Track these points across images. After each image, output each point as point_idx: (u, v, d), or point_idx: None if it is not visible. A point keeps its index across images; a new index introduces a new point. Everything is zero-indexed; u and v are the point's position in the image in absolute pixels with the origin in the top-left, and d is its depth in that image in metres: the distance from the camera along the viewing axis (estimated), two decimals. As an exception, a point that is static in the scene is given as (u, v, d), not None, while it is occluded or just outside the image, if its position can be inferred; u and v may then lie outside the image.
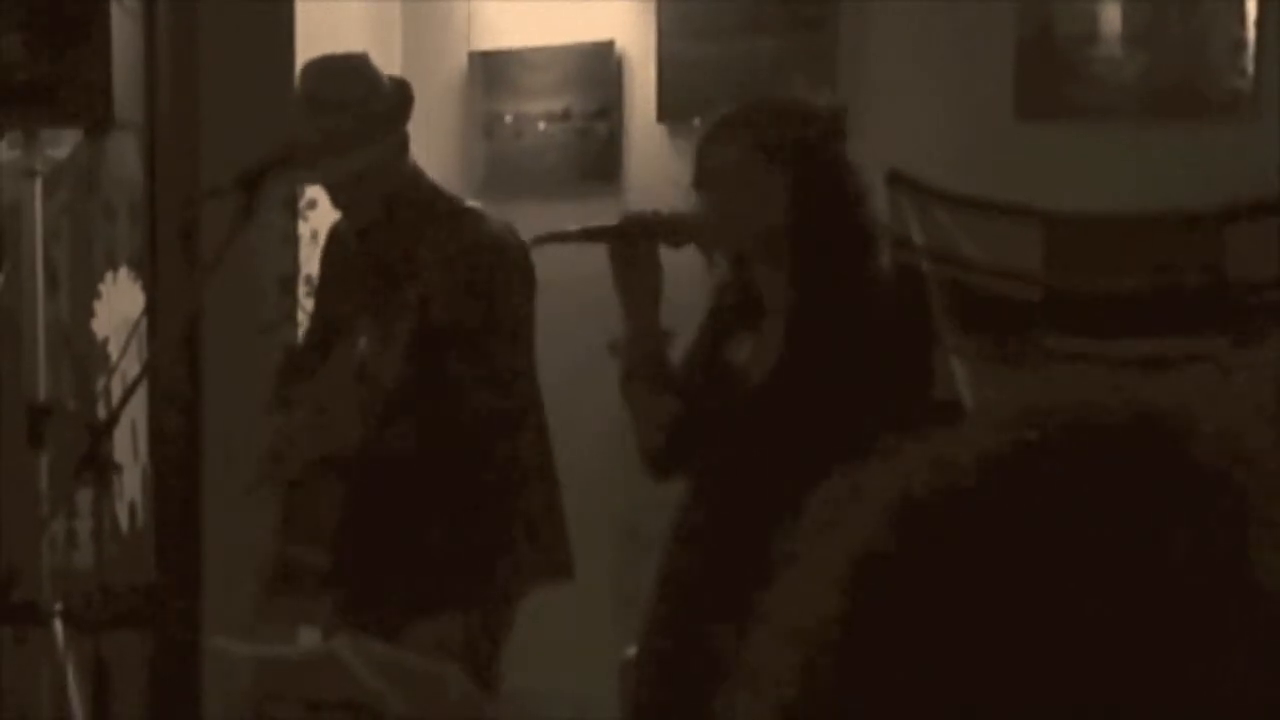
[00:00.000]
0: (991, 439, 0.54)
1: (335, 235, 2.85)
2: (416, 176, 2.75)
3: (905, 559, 0.52)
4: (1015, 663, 0.49)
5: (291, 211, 3.66)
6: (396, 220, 2.71)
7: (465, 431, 2.60)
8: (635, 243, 2.23)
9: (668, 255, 2.29)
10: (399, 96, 2.74)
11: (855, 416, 2.05)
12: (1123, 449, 0.52)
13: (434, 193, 2.75)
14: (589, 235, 2.27)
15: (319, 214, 3.73)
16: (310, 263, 3.72)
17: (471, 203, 2.77)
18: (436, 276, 2.61)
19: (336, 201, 2.73)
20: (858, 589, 0.52)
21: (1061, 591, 0.50)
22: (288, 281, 3.69)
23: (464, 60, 4.08)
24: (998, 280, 3.44)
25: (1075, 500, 0.51)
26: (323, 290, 2.90)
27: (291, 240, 3.71)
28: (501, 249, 2.67)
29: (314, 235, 3.75)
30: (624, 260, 2.25)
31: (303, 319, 3.65)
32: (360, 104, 2.66)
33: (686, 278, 2.31)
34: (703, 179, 2.24)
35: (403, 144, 2.74)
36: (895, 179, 3.52)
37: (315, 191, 3.42)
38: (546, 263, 2.72)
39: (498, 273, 2.65)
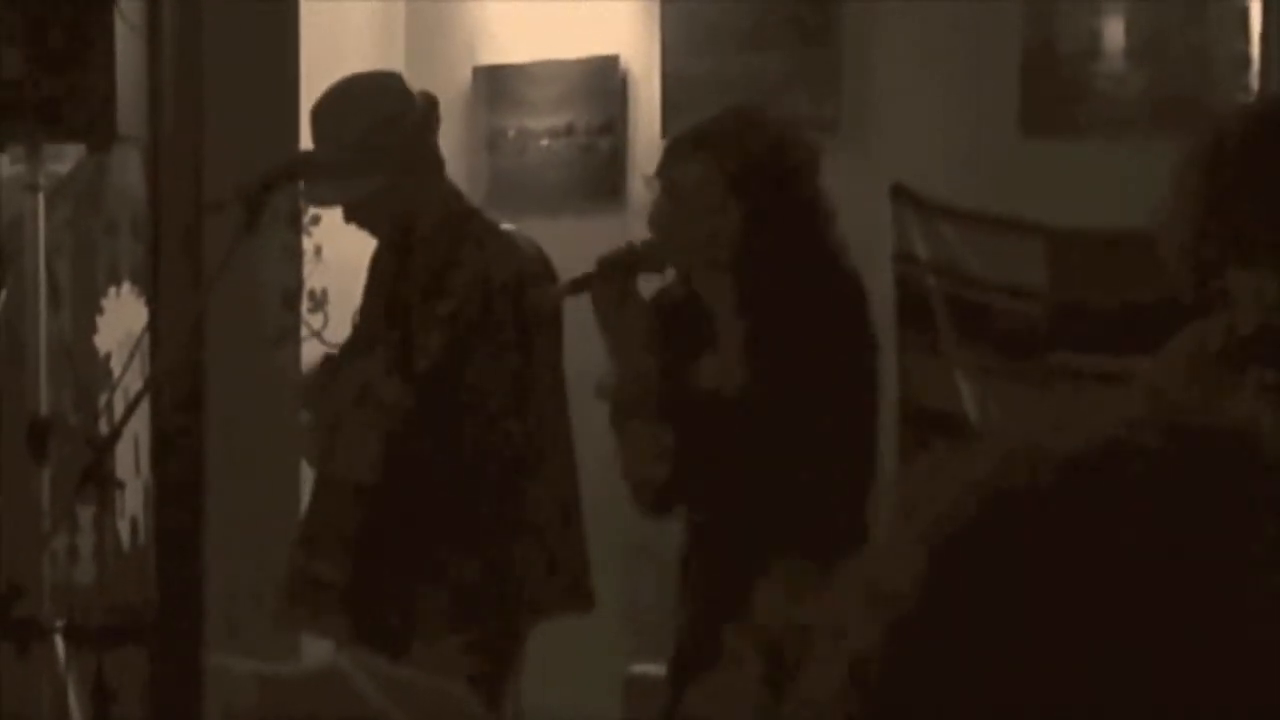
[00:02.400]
0: (1013, 454, 0.55)
1: (382, 246, 2.84)
2: (453, 194, 2.76)
3: (930, 593, 0.53)
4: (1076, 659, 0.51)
5: (295, 226, 3.69)
6: (430, 240, 2.70)
7: (490, 459, 2.60)
8: (616, 282, 2.27)
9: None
10: (427, 110, 2.73)
11: (828, 422, 2.12)
12: (1157, 468, 0.53)
13: (468, 212, 2.75)
14: (574, 288, 2.29)
15: (322, 229, 3.76)
16: (314, 277, 3.74)
17: (507, 225, 2.78)
18: (467, 298, 2.61)
19: (360, 221, 2.72)
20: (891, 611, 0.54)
21: (1090, 609, 0.51)
22: (291, 297, 3.73)
23: (467, 74, 4.09)
24: (1002, 296, 3.45)
25: (1095, 528, 0.52)
26: (365, 299, 2.89)
27: (294, 255, 3.74)
28: (534, 272, 2.67)
29: (317, 251, 3.78)
30: (607, 302, 2.26)
31: (306, 335, 3.70)
32: (390, 124, 2.65)
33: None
34: (663, 188, 2.30)
35: (435, 159, 2.74)
36: (899, 193, 3.54)
37: (318, 208, 3.44)
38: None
39: (530, 295, 2.65)
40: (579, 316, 2.54)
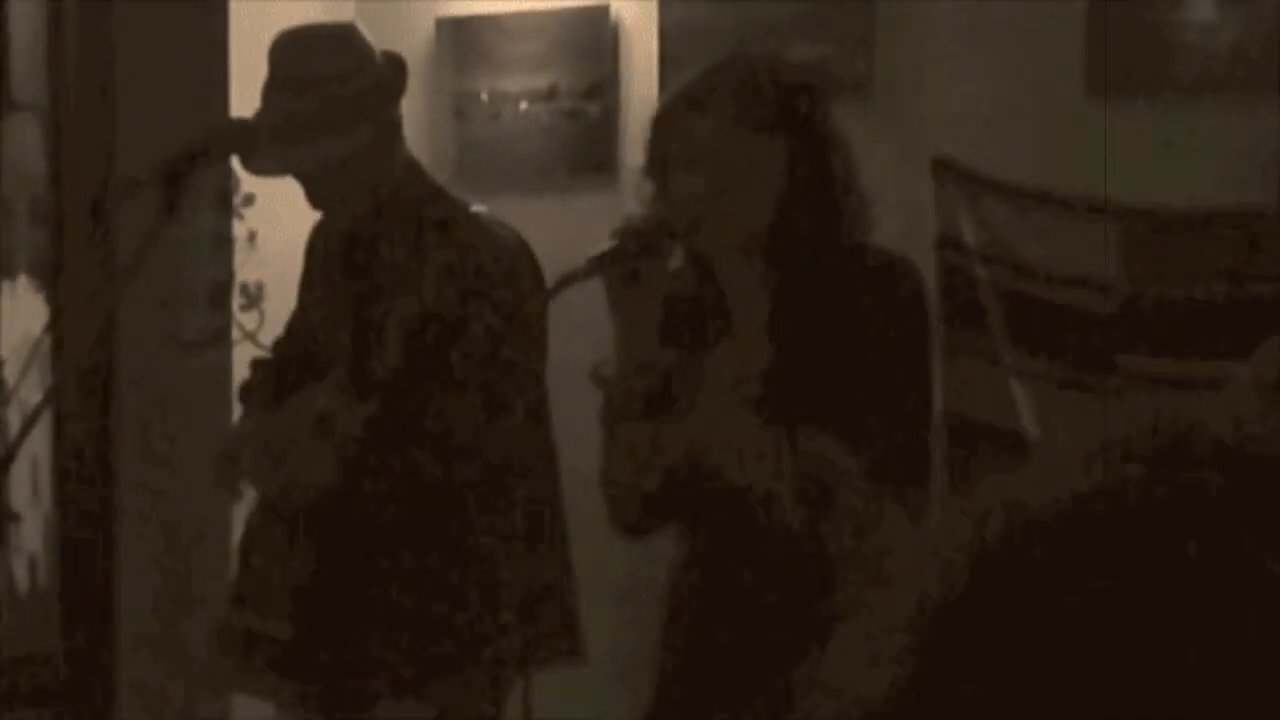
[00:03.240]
0: (1071, 479, 0.60)
1: (320, 232, 2.84)
2: (412, 170, 2.74)
3: (979, 607, 0.60)
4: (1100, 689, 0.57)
5: (225, 209, 3.67)
6: (386, 223, 2.70)
7: (460, 489, 2.62)
8: (637, 260, 2.24)
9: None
10: (390, 72, 2.73)
11: (861, 428, 2.11)
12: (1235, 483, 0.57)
13: (432, 192, 2.74)
14: (597, 264, 2.24)
15: (258, 212, 3.73)
16: (247, 269, 3.71)
17: (477, 207, 2.76)
18: (433, 295, 2.62)
19: (315, 198, 2.71)
20: (936, 630, 0.61)
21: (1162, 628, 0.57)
22: (220, 292, 3.72)
23: (430, 27, 4.09)
24: (1065, 288, 3.44)
25: (1167, 542, 0.57)
26: (304, 295, 2.89)
27: (225, 243, 3.73)
28: (515, 264, 2.67)
29: (251, 237, 3.75)
30: (623, 281, 2.24)
31: (238, 337, 3.67)
32: (343, 81, 2.65)
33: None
34: (674, 161, 2.24)
35: (394, 129, 2.73)
36: (943, 168, 3.52)
37: (254, 185, 3.44)
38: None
39: (507, 293, 2.64)
40: (562, 306, 2.54)
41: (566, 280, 2.23)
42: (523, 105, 4.00)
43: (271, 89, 2.69)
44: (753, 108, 2.20)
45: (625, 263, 2.21)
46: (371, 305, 2.71)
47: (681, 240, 2.23)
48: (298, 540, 2.69)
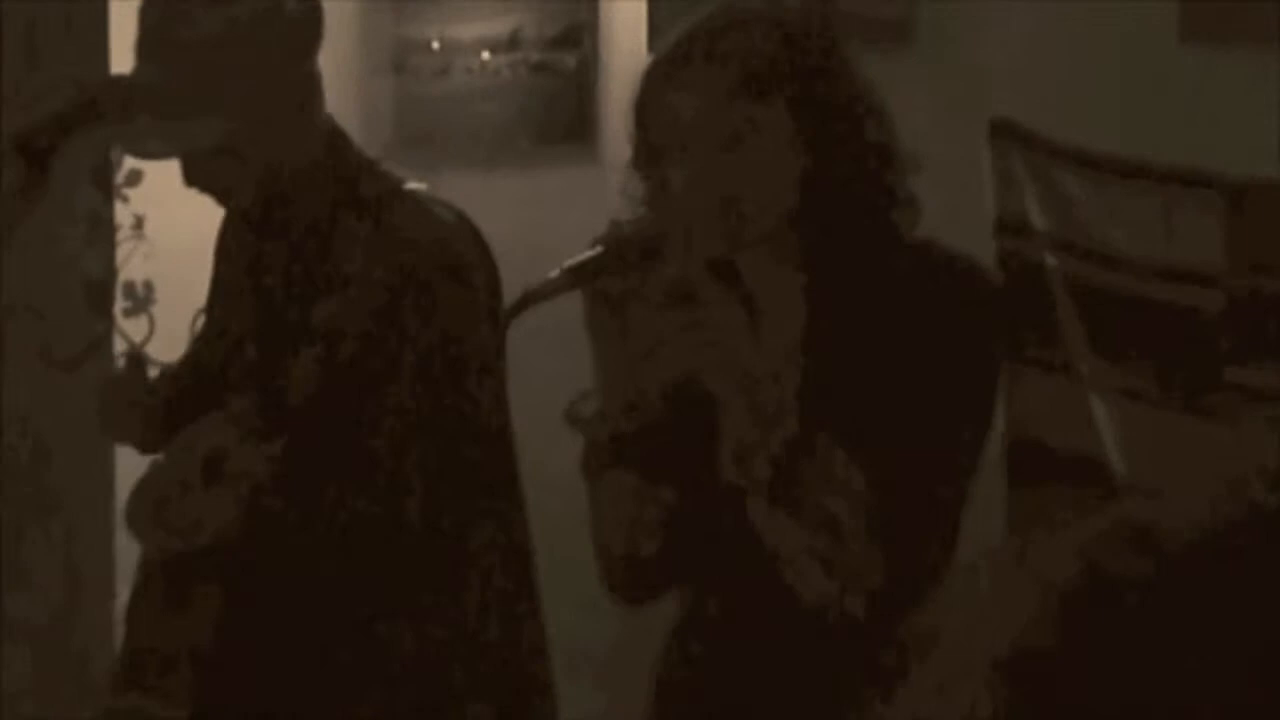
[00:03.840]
0: (1195, 513, 0.72)
1: (232, 220, 2.85)
2: (334, 142, 2.74)
3: (1062, 657, 0.73)
4: None
5: (105, 189, 3.65)
6: (299, 210, 2.70)
7: (397, 536, 2.63)
8: (626, 276, 2.21)
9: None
10: (303, 16, 2.70)
11: (906, 463, 2.15)
12: None
13: (360, 169, 2.73)
14: (576, 277, 2.22)
15: (144, 193, 3.74)
16: (133, 264, 3.71)
17: (414, 185, 2.74)
18: (358, 301, 2.62)
19: (192, 177, 2.68)
20: (1015, 678, 0.74)
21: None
22: (99, 291, 3.67)
23: (364, -39, 4.18)
24: (1158, 283, 3.41)
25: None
26: (212, 297, 2.90)
27: (104, 231, 3.69)
28: (465, 261, 2.68)
29: (138, 224, 3.75)
30: (609, 302, 2.22)
31: (121, 348, 3.63)
32: (237, 31, 2.63)
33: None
34: (665, 149, 2.24)
35: (309, 90, 2.71)
36: (1003, 132, 3.48)
37: (137, 160, 3.39)
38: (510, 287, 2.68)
39: (454, 297, 2.65)
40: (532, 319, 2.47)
41: (534, 296, 2.21)
42: (479, 58, 4.02)
43: (146, 47, 2.67)
44: (749, 71, 2.19)
45: (612, 279, 2.21)
46: (283, 313, 2.69)
47: (681, 251, 2.22)
48: (193, 601, 2.69)
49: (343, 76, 3.93)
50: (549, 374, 2.84)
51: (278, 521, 2.61)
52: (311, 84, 2.70)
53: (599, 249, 2.20)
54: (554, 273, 2.20)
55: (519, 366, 2.74)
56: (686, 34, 2.23)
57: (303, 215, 2.69)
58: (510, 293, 2.68)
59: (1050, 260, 3.43)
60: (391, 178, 2.73)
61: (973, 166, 3.47)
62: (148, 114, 2.63)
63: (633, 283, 2.20)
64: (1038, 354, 3.43)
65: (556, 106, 3.99)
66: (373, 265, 2.62)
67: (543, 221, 3.72)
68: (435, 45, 4.04)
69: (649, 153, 2.24)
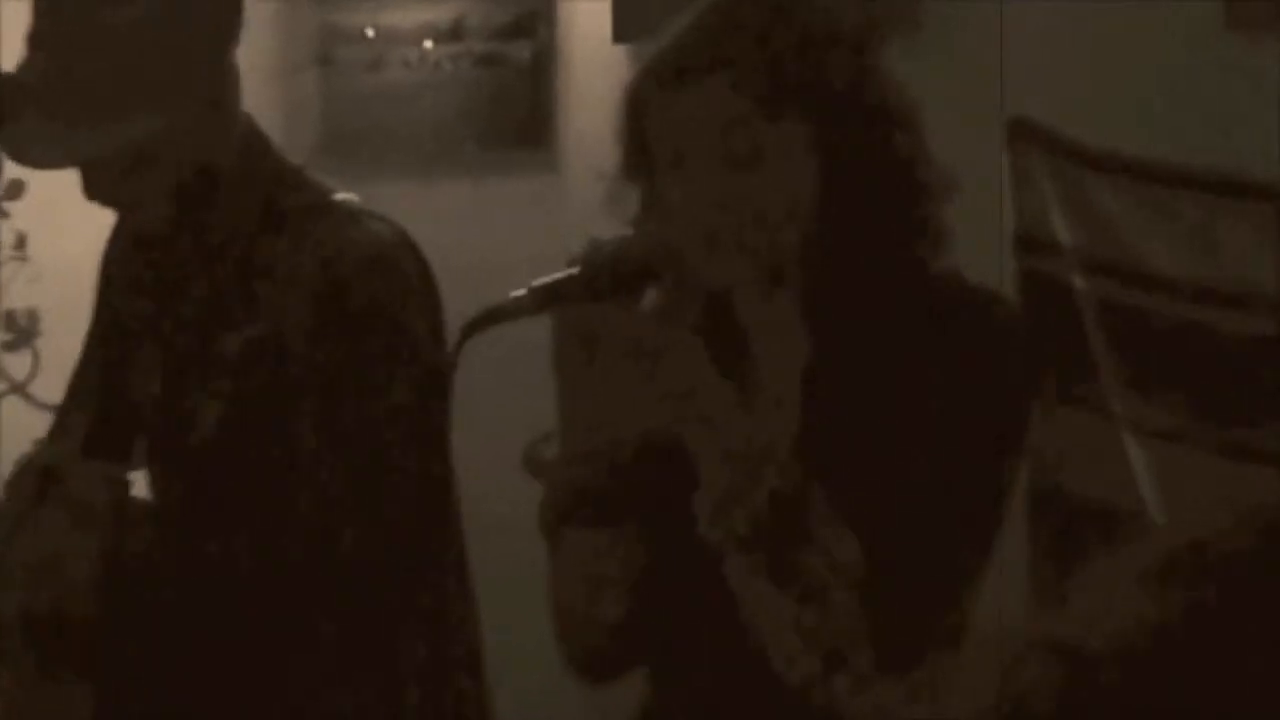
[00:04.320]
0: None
1: (120, 241, 2.88)
2: (251, 146, 2.74)
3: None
4: None
5: None
6: (209, 224, 2.71)
7: (313, 599, 2.65)
8: (602, 302, 2.21)
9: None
10: (223, 4, 2.70)
11: (916, 524, 2.15)
12: None
13: (281, 176, 2.75)
14: (546, 299, 2.21)
15: (28, 207, 3.76)
16: (14, 289, 3.73)
17: (343, 195, 2.76)
18: (274, 328, 2.64)
19: (94, 189, 2.68)
20: None
21: None
22: None
23: (287, -60, 4.21)
24: (1206, 308, 3.40)
25: None
26: (98, 327, 2.92)
27: None
28: (394, 281, 2.68)
29: (19, 243, 3.78)
30: (579, 331, 2.22)
31: (3, 387, 3.69)
32: (138, 25, 2.62)
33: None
34: (663, 158, 2.26)
35: (224, 89, 2.70)
36: (1024, 134, 3.50)
37: (21, 170, 3.28)
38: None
39: (387, 326, 2.65)
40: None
41: (495, 316, 2.18)
42: (423, 46, 4.02)
43: (39, 36, 2.65)
44: (761, 76, 2.18)
45: (586, 306, 2.20)
46: (186, 345, 2.70)
47: (670, 276, 2.22)
48: (60, 675, 2.69)
49: (261, 71, 3.97)
50: (502, 411, 2.79)
51: (169, 582, 2.61)
52: (226, 83, 2.70)
53: (574, 269, 2.19)
54: (520, 292, 2.18)
55: (467, 402, 2.64)
56: (692, 25, 2.23)
57: (212, 232, 2.69)
58: (455, 320, 2.67)
59: (1079, 281, 3.42)
60: (316, 188, 2.73)
61: (988, 174, 3.44)
62: (36, 114, 2.61)
63: (610, 313, 2.19)
64: (1067, 388, 3.44)
65: (508, 105, 4.00)
66: (292, 289, 2.61)
67: (493, 239, 3.76)
68: (368, 33, 4.06)
69: (640, 162, 2.25)
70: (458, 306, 2.51)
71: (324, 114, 4.07)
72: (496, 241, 3.68)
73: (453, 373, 2.50)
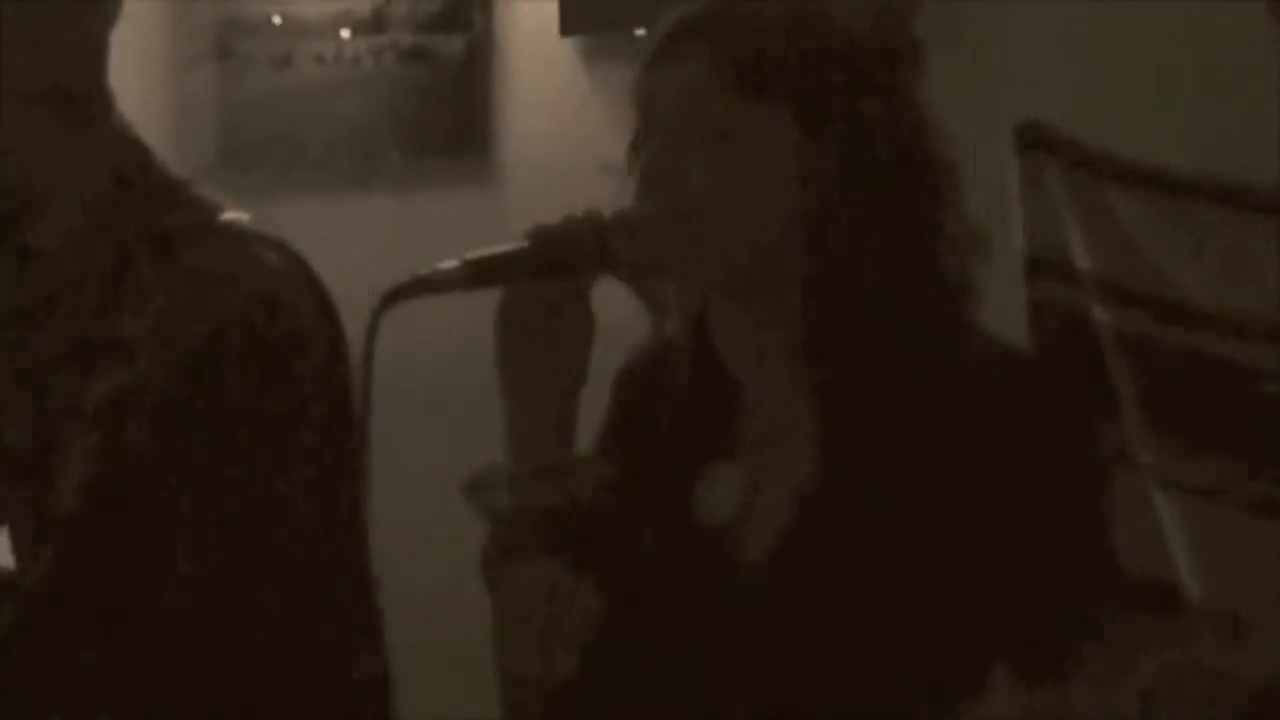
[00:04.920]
0: None
1: None
2: (129, 157, 2.74)
3: None
4: None
5: None
6: (73, 252, 2.70)
7: (205, 672, 2.63)
8: (555, 280, 2.26)
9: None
10: None
11: (951, 617, 2.20)
12: None
13: (162, 191, 2.73)
14: (481, 273, 2.25)
15: None
16: None
17: (233, 214, 2.77)
18: (146, 371, 2.63)
19: None
20: None
21: None
22: None
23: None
24: (1241, 342, 3.43)
25: None
26: None
27: None
28: (286, 315, 2.67)
29: None
30: (526, 320, 2.27)
31: None
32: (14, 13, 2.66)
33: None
34: (643, 138, 2.31)
35: (93, 89, 2.71)
36: (1034, 138, 3.47)
37: None
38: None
39: (278, 367, 2.66)
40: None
41: (415, 288, 2.24)
42: (340, 37, 4.08)
43: None
44: (749, 60, 2.26)
45: (535, 283, 2.26)
46: (49, 393, 2.71)
47: (639, 272, 2.29)
48: None
49: (148, 66, 3.99)
50: (433, 433, 2.73)
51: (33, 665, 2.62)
52: (95, 82, 2.71)
53: (521, 244, 2.22)
54: (452, 263, 2.22)
55: (386, 425, 2.64)
56: (690, 12, 2.30)
57: (78, 263, 2.69)
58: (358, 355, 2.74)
59: (1099, 313, 3.44)
60: (203, 205, 2.72)
61: (993, 185, 3.34)
62: None
63: (562, 296, 2.22)
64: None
65: (438, 107, 4.04)
66: (168, 325, 2.60)
67: (421, 263, 3.62)
68: (275, 22, 4.11)
69: (633, 148, 2.30)
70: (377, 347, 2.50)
71: (221, 117, 4.11)
72: (426, 267, 3.60)
73: (350, 401, 2.63)
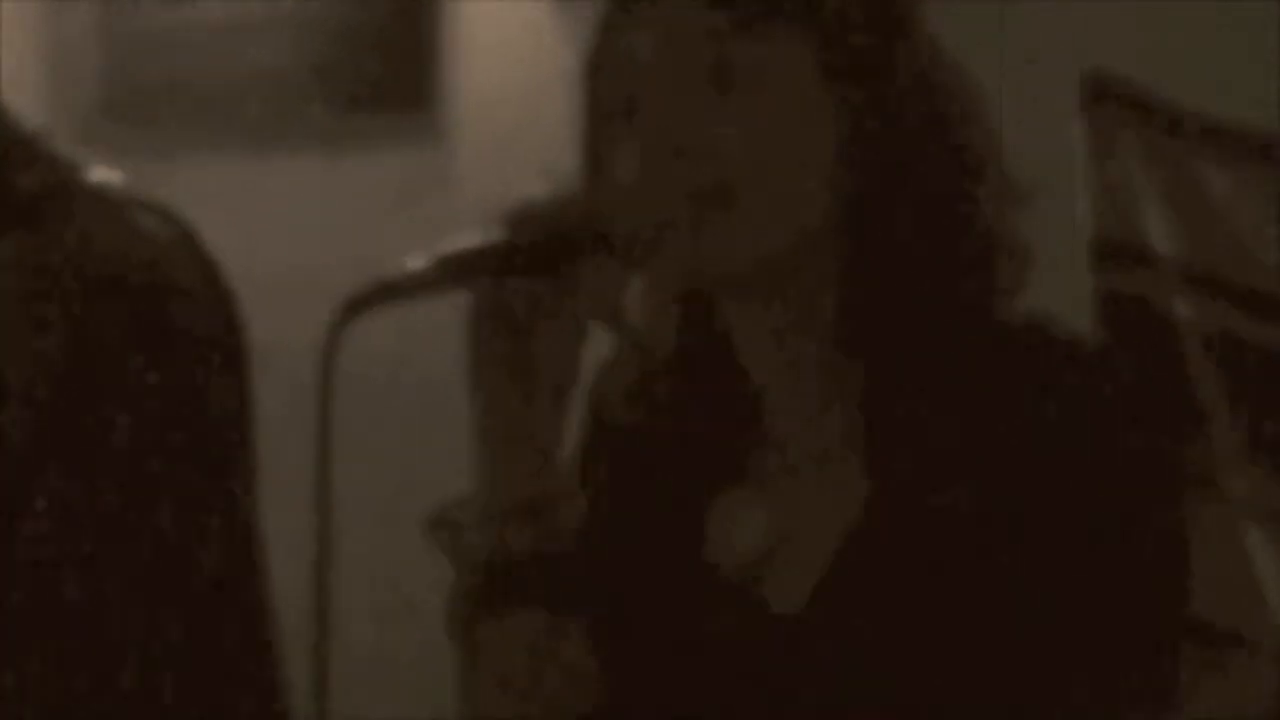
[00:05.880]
0: None
1: None
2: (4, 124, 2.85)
3: None
4: None
5: None
6: None
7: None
8: (542, 272, 2.24)
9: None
10: None
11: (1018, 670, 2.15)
12: None
13: (12, 148, 2.73)
14: (456, 271, 2.25)
15: None
16: None
17: (102, 172, 2.77)
18: (19, 349, 2.64)
19: None
20: None
21: None
22: None
23: None
24: None
25: None
26: None
27: None
28: (168, 293, 2.67)
29: None
30: (506, 321, 2.25)
31: None
32: None
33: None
34: (615, 108, 2.30)
35: None
36: (1104, 94, 3.55)
37: None
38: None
39: (156, 352, 2.64)
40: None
41: (381, 294, 2.21)
42: None
43: None
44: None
45: (508, 283, 2.24)
46: None
47: (625, 264, 2.26)
48: None
49: (15, 4, 4.09)
50: (387, 456, 2.72)
51: None
52: None
53: (500, 235, 2.21)
54: (420, 261, 2.20)
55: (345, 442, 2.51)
56: None
57: None
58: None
59: (1182, 308, 3.50)
60: (60, 163, 2.76)
61: (1055, 154, 3.48)
62: None
63: (550, 296, 2.21)
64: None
65: (372, 51, 4.12)
66: (14, 313, 2.66)
67: (352, 234, 3.63)
68: None
69: (592, 121, 2.27)
70: (299, 332, 2.45)
71: (105, 60, 4.12)
72: (358, 238, 3.64)
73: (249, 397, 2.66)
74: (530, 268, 2.24)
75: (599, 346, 2.38)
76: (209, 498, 2.73)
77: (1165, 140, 3.56)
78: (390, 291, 2.20)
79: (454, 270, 2.23)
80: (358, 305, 2.20)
